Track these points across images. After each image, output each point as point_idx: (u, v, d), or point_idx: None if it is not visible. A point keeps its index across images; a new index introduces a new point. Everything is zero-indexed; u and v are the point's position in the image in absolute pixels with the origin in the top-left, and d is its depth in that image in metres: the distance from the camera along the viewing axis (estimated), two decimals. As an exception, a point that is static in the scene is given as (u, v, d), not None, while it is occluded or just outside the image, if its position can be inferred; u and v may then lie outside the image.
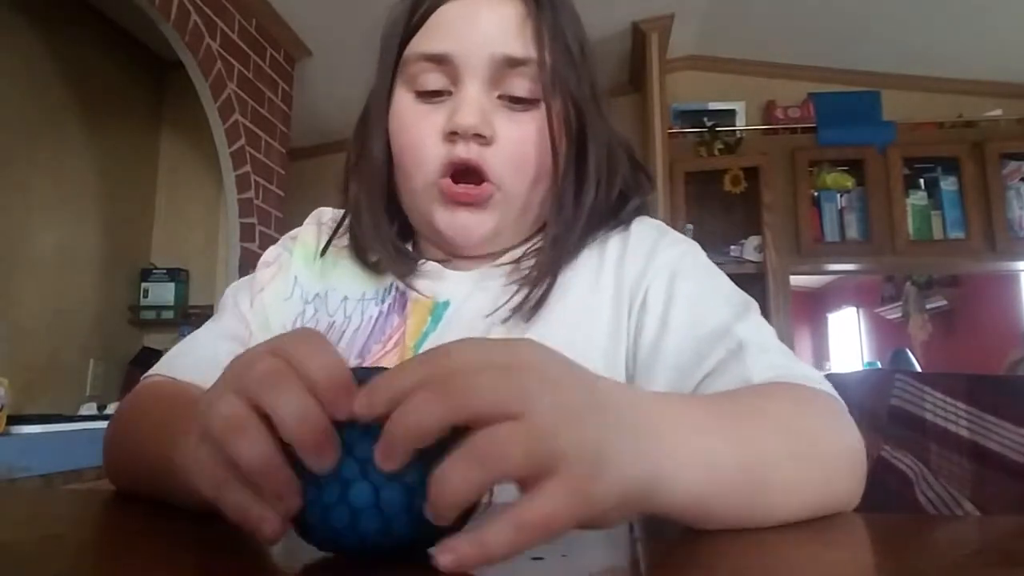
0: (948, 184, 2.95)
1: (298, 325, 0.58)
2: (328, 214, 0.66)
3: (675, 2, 2.78)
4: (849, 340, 5.82)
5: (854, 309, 5.81)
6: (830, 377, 0.49)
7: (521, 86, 0.54)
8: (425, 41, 0.55)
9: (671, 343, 0.51)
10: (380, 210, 0.59)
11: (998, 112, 3.04)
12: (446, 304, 0.57)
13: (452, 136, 0.53)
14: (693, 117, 3.13)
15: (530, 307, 0.53)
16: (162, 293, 2.64)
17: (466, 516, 0.26)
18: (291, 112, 2.84)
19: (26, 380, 2.13)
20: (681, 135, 3.09)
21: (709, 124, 3.07)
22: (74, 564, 0.30)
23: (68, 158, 2.41)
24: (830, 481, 0.40)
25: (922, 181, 3.00)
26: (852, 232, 2.97)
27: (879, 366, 4.46)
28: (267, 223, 2.62)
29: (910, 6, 2.72)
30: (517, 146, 0.54)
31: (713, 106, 3.16)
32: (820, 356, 5.98)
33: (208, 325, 0.62)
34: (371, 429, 0.26)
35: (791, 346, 0.53)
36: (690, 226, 2.88)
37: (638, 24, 2.87)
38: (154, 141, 2.84)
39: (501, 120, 0.54)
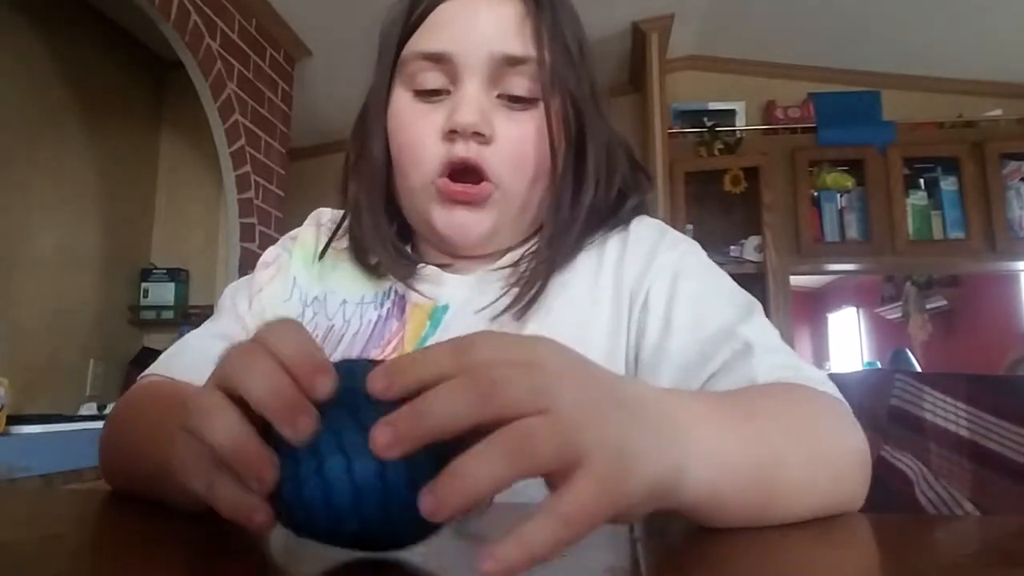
0: (948, 184, 2.95)
1: None
2: (327, 215, 0.66)
3: (675, 2, 2.78)
4: (849, 340, 5.82)
5: (854, 309, 5.81)
6: (830, 377, 0.49)
7: (520, 85, 0.54)
8: (424, 40, 0.55)
9: (675, 344, 0.51)
10: (380, 210, 0.59)
11: (998, 112, 3.04)
12: (445, 308, 0.56)
13: (451, 135, 0.53)
14: (693, 117, 3.13)
15: (522, 306, 0.53)
16: (162, 293, 2.64)
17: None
18: (291, 112, 2.84)
19: (26, 380, 2.13)
20: (681, 135, 3.09)
21: (709, 124, 3.07)
22: (74, 564, 0.30)
23: (68, 158, 2.41)
24: (837, 482, 0.40)
25: (922, 181, 3.00)
26: (852, 232, 2.97)
27: (879, 366, 4.46)
28: (267, 223, 2.62)
29: (910, 6, 2.72)
30: (516, 145, 0.54)
31: (713, 106, 3.16)
32: (820, 356, 5.98)
33: (205, 325, 0.62)
34: (350, 406, 0.26)
35: (791, 346, 0.52)
36: (690, 226, 2.88)
37: (638, 24, 2.87)
38: (154, 141, 2.84)
39: (500, 119, 0.54)
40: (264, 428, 0.27)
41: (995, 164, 2.90)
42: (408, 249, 0.60)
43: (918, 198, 2.97)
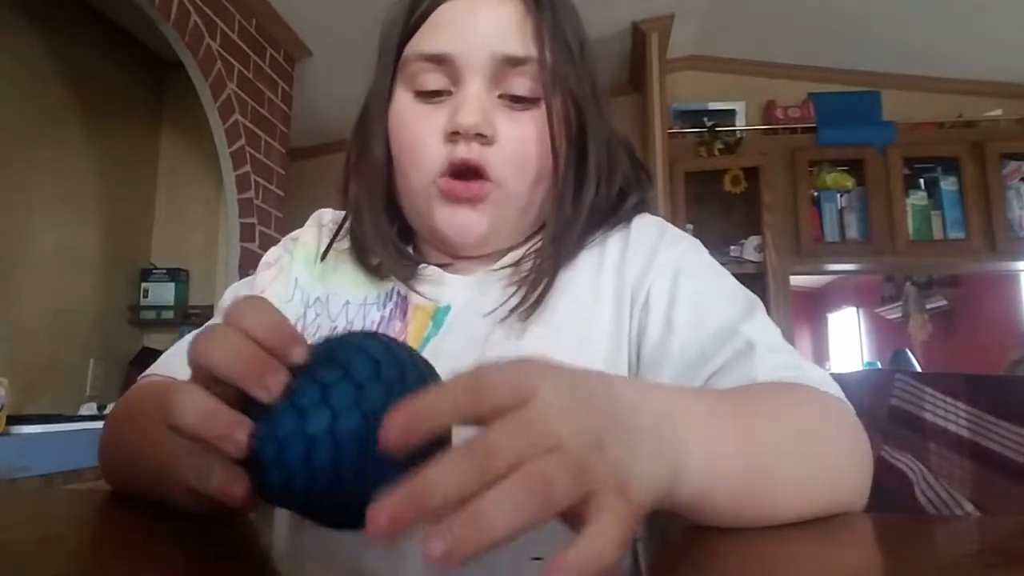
0: (948, 184, 2.95)
1: (299, 328, 0.58)
2: (328, 216, 0.66)
3: (675, 2, 2.78)
4: (849, 340, 5.82)
5: (854, 309, 5.81)
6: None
7: (521, 85, 0.54)
8: (425, 41, 0.55)
9: (677, 342, 0.51)
10: (380, 210, 0.59)
11: (998, 112, 3.04)
12: (447, 309, 0.56)
13: (453, 136, 0.53)
14: (693, 117, 3.13)
15: (528, 306, 0.53)
16: (162, 293, 2.64)
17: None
18: (291, 112, 2.84)
19: (26, 380, 2.13)
20: (681, 135, 3.09)
21: (709, 124, 3.07)
22: (74, 564, 0.30)
23: (68, 158, 2.41)
24: (837, 482, 0.40)
25: (922, 181, 3.00)
26: (852, 232, 2.97)
27: (879, 366, 4.46)
28: (267, 223, 2.62)
29: (910, 6, 2.72)
30: (518, 145, 0.54)
31: (713, 106, 3.15)
32: (820, 356, 5.98)
33: (205, 327, 0.61)
34: (324, 362, 0.27)
35: (791, 346, 0.52)
36: (690, 226, 2.88)
37: (638, 24, 2.87)
38: (154, 141, 2.84)
39: (502, 119, 0.54)
40: (243, 403, 0.27)
41: (995, 164, 2.90)
42: (409, 250, 0.60)
43: (918, 198, 2.97)
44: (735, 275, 0.57)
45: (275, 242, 0.66)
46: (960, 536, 0.40)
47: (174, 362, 0.57)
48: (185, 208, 2.79)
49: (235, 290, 0.63)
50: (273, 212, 2.67)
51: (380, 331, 0.57)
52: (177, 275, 2.66)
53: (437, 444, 0.25)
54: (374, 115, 0.58)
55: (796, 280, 3.06)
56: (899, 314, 4.88)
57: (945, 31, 2.85)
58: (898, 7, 2.73)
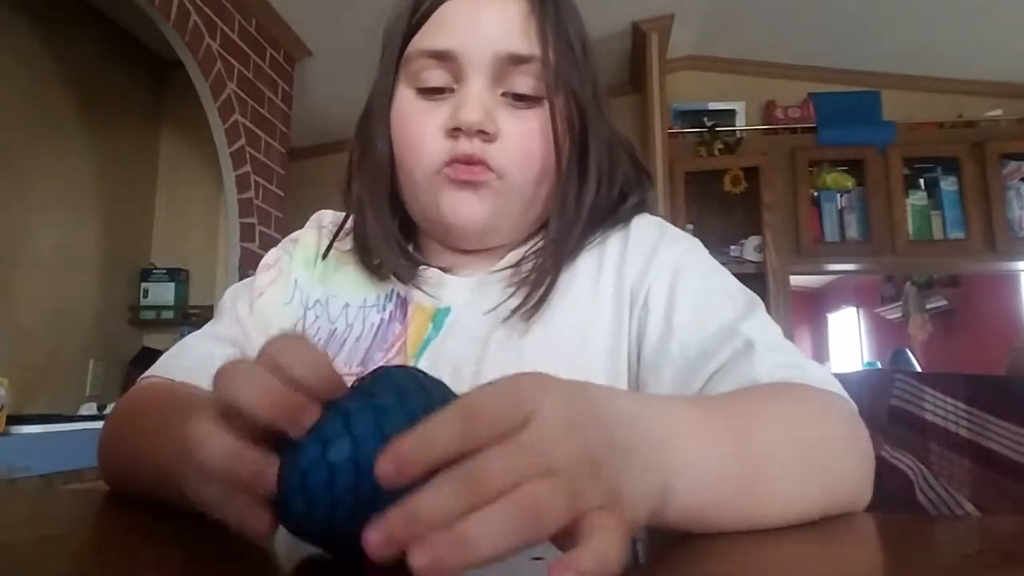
0: (948, 184, 2.95)
1: (299, 330, 0.58)
2: (328, 217, 0.66)
3: (675, 2, 2.78)
4: (849, 340, 5.82)
5: (854, 309, 5.81)
6: (830, 377, 0.49)
7: (524, 84, 0.54)
8: (428, 38, 0.55)
9: (676, 342, 0.50)
10: (383, 208, 0.59)
11: (998, 112, 3.04)
12: (447, 311, 0.56)
13: (455, 132, 0.53)
14: (693, 117, 3.13)
15: (530, 307, 0.53)
16: (162, 293, 2.64)
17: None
18: (291, 112, 2.84)
19: (26, 380, 2.13)
20: (681, 135, 3.09)
21: (709, 124, 3.07)
22: (74, 564, 0.30)
23: (68, 158, 2.41)
24: (835, 484, 0.40)
25: (922, 181, 3.00)
26: (852, 232, 2.97)
27: (879, 366, 4.46)
28: (267, 223, 2.62)
29: (910, 6, 2.72)
30: (521, 142, 0.54)
31: (713, 106, 3.16)
32: (820, 356, 5.98)
33: (205, 328, 0.62)
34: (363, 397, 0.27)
35: (791, 346, 0.52)
36: (690, 226, 2.88)
37: (638, 24, 2.87)
38: (154, 141, 2.84)
39: (504, 117, 0.54)
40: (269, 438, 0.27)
41: (995, 164, 2.90)
42: (410, 249, 0.60)
43: (918, 198, 2.97)
44: (735, 275, 0.57)
45: (275, 242, 0.66)
46: (960, 536, 0.40)
47: (174, 364, 0.57)
48: (185, 208, 2.79)
49: (235, 292, 0.63)
50: (273, 212, 2.67)
51: (379, 333, 0.57)
52: (177, 275, 2.66)
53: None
54: (377, 112, 0.57)
55: (796, 280, 3.06)
56: (899, 314, 4.88)
57: (945, 31, 2.85)
58: (898, 7, 2.73)
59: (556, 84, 0.54)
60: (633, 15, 2.82)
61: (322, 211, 0.67)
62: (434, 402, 0.27)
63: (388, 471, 0.23)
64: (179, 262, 2.70)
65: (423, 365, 0.53)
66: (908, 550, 0.34)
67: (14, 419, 1.65)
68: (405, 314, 0.57)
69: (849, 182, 2.99)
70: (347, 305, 0.59)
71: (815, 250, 2.96)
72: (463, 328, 0.55)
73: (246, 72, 2.52)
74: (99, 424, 0.54)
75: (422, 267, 0.58)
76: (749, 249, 2.95)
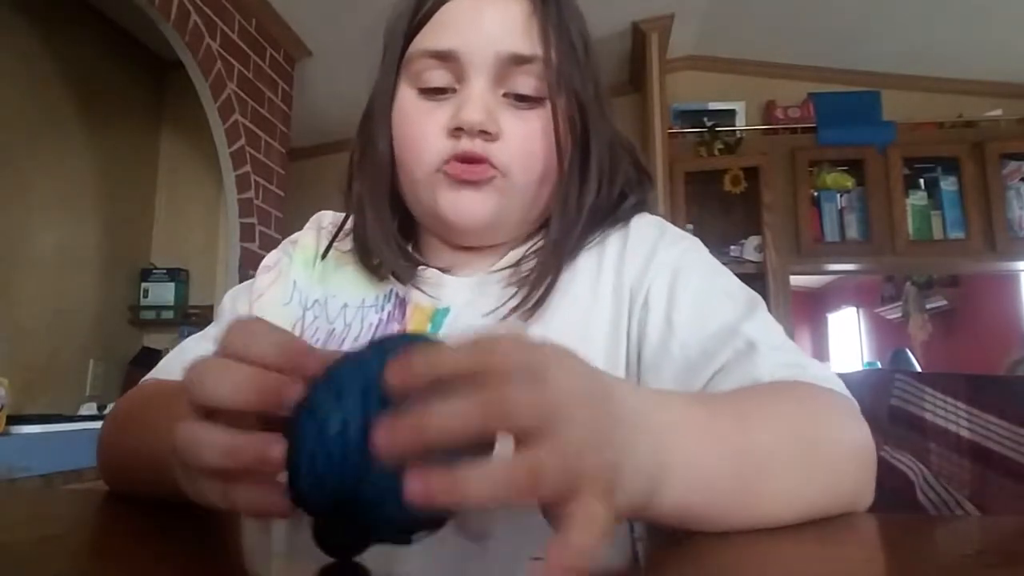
0: (948, 184, 2.94)
1: (297, 331, 0.58)
2: (328, 218, 0.66)
3: (675, 2, 2.78)
4: (849, 340, 5.82)
5: (854, 309, 5.80)
6: (831, 376, 0.49)
7: (526, 84, 0.54)
8: (430, 38, 0.55)
9: (678, 342, 0.50)
10: (384, 207, 0.59)
11: (998, 112, 3.04)
12: (446, 311, 0.56)
13: (456, 132, 0.53)
14: (693, 117, 3.13)
15: (529, 307, 0.53)
16: (162, 293, 2.64)
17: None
18: (291, 112, 2.84)
19: (26, 380, 2.13)
20: (681, 135, 3.09)
21: (709, 124, 3.06)
22: (74, 564, 0.30)
23: (68, 158, 2.41)
24: (835, 483, 0.39)
25: (922, 181, 3.00)
26: (852, 232, 2.97)
27: (879, 366, 4.46)
28: (267, 223, 2.62)
29: (910, 6, 2.72)
30: (524, 141, 0.54)
31: (713, 106, 3.15)
32: (820, 356, 5.97)
33: (206, 330, 0.62)
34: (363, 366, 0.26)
35: (791, 346, 0.52)
36: (690, 226, 2.88)
37: (638, 24, 2.87)
38: (154, 141, 2.84)
39: (506, 117, 0.54)
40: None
41: (995, 164, 2.90)
42: (409, 248, 0.60)
43: (918, 198, 2.97)
44: (735, 275, 0.57)
45: (275, 242, 0.66)
46: (960, 536, 0.40)
47: (173, 366, 0.57)
48: (185, 208, 2.79)
49: (234, 294, 0.63)
50: (273, 212, 2.67)
51: (377, 333, 0.57)
52: (177, 275, 2.66)
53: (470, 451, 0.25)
54: (378, 112, 0.57)
55: (796, 280, 3.06)
56: (899, 314, 4.88)
57: (945, 31, 2.85)
58: (898, 7, 2.73)
59: (558, 84, 0.54)
60: (633, 15, 2.82)
61: (322, 212, 0.67)
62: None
63: (394, 380, 0.24)
64: (179, 262, 2.70)
65: None
66: (908, 550, 0.34)
67: (14, 419, 1.65)
68: (404, 314, 0.57)
69: (849, 182, 2.99)
70: (345, 305, 0.59)
71: (815, 250, 2.96)
72: (462, 329, 0.55)
73: (246, 72, 2.52)
74: (99, 424, 0.54)
75: (421, 267, 0.58)
76: (749, 249, 2.95)
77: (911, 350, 4.09)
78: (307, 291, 0.61)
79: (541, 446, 0.24)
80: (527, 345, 0.26)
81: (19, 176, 2.21)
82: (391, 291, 0.59)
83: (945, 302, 4.54)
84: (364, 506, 0.26)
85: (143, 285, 2.66)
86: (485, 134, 0.52)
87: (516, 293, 0.54)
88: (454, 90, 0.54)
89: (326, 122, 3.12)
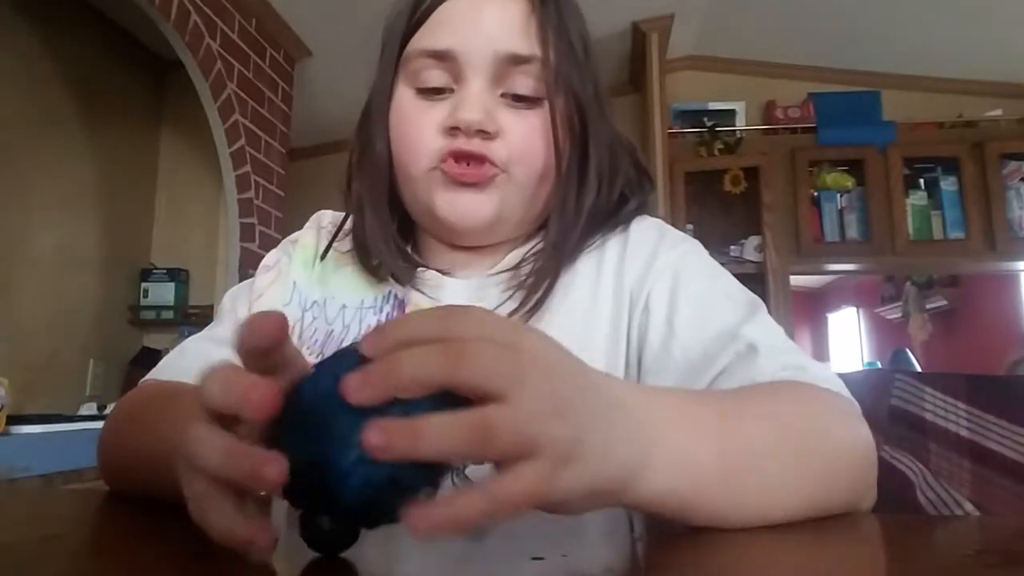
0: (948, 184, 2.95)
1: (296, 332, 0.58)
2: (328, 217, 0.66)
3: (675, 2, 2.78)
4: (849, 340, 5.82)
5: (854, 309, 5.80)
6: (831, 377, 0.49)
7: (525, 84, 0.53)
8: (428, 37, 0.54)
9: (678, 346, 0.50)
10: (383, 207, 0.58)
11: (998, 112, 3.04)
12: None
13: (453, 131, 0.52)
14: (693, 117, 3.13)
15: (528, 310, 0.53)
16: (162, 293, 2.64)
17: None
18: (291, 112, 2.84)
19: (26, 380, 2.13)
20: (681, 135, 3.09)
21: (709, 124, 3.07)
22: (74, 564, 0.30)
23: (68, 158, 2.41)
24: (832, 482, 0.39)
25: (922, 181, 3.00)
26: (852, 232, 2.97)
27: (879, 366, 4.46)
28: (267, 223, 2.62)
29: (910, 6, 2.72)
30: (523, 139, 0.53)
31: (713, 106, 3.15)
32: (820, 356, 5.98)
33: (206, 331, 0.62)
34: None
35: (791, 346, 0.52)
36: (690, 226, 2.88)
37: (638, 24, 2.87)
38: (154, 141, 2.84)
39: (505, 116, 0.53)
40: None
41: (995, 164, 2.90)
42: (408, 249, 0.60)
43: (918, 198, 2.97)
44: (735, 275, 0.57)
45: (275, 242, 0.66)
46: (960, 536, 0.40)
47: (174, 367, 0.57)
48: (185, 208, 2.79)
49: (234, 294, 0.63)
50: (273, 212, 2.67)
51: None
52: (177, 275, 2.66)
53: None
54: (376, 112, 0.57)
55: (796, 280, 3.06)
56: (899, 314, 4.88)
57: (945, 31, 2.85)
58: (898, 7, 2.73)
59: (556, 85, 0.54)
60: (633, 15, 2.82)
61: (322, 211, 0.67)
62: None
63: (366, 346, 0.26)
64: (179, 262, 2.69)
65: None
66: (908, 550, 0.34)
67: (14, 419, 1.65)
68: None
69: (849, 182, 2.99)
70: (344, 307, 0.59)
71: (815, 250, 2.96)
72: None
73: (246, 72, 2.52)
74: (99, 424, 0.54)
75: (420, 269, 0.58)
76: (749, 249, 2.95)
77: (911, 350, 4.09)
78: (306, 292, 0.60)
79: (498, 406, 0.25)
80: (500, 317, 0.28)
81: (19, 176, 2.21)
82: (390, 292, 0.58)
83: (945, 302, 4.54)
84: (336, 477, 0.25)
85: (143, 285, 2.66)
86: (483, 133, 0.52)
87: (515, 296, 0.54)
88: (452, 90, 0.54)
89: (326, 122, 3.12)
